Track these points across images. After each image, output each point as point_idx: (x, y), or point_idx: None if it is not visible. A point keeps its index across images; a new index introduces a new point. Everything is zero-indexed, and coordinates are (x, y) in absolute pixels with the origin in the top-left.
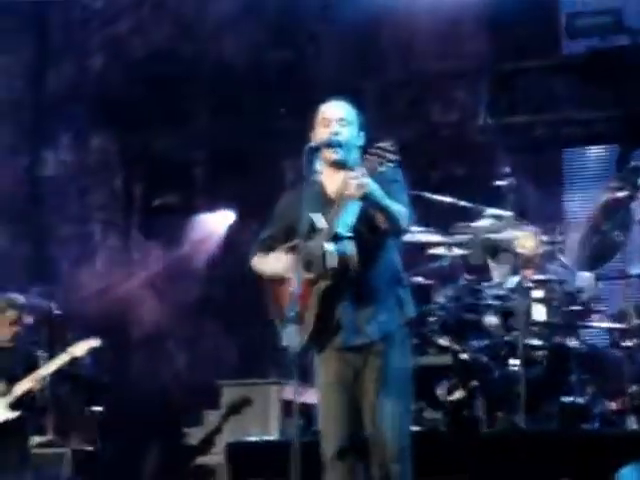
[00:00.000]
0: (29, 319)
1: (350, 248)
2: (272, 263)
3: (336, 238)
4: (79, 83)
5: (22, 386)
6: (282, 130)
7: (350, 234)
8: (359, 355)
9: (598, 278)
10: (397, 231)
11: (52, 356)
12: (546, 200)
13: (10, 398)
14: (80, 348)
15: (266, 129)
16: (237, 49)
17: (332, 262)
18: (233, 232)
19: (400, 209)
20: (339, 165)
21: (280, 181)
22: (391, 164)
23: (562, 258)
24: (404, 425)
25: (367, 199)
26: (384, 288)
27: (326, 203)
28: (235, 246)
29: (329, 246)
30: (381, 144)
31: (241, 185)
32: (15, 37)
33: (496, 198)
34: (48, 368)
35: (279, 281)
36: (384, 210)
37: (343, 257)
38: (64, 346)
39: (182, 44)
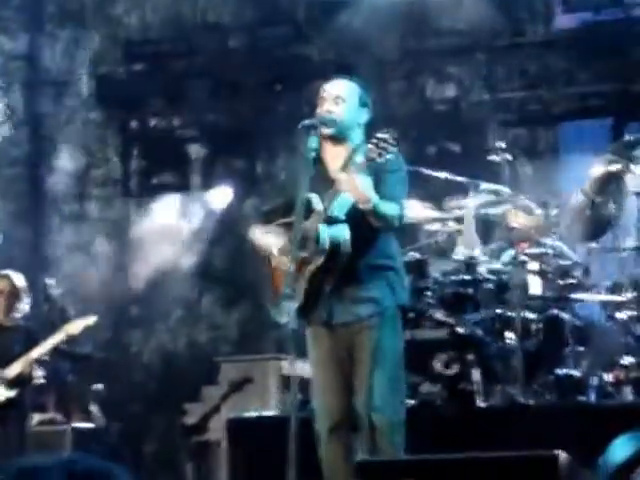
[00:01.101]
0: (27, 299)
1: (344, 232)
2: (262, 236)
3: (331, 221)
4: (76, 61)
5: (16, 366)
6: (279, 107)
7: (344, 218)
8: (349, 332)
9: (593, 251)
10: (388, 229)
11: (51, 334)
12: (541, 174)
13: (6, 378)
14: (76, 326)
15: (263, 106)
16: (234, 27)
17: (325, 244)
18: (231, 209)
19: (392, 210)
20: (336, 139)
21: (277, 158)
22: (390, 155)
23: (557, 232)
24: (396, 400)
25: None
26: (376, 272)
27: (326, 182)
28: (233, 223)
29: (323, 228)
30: (380, 134)
31: (239, 163)
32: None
33: (491, 173)
34: (44, 347)
35: (270, 261)
36: (375, 214)
37: (336, 240)
38: (63, 324)
39: (179, 22)
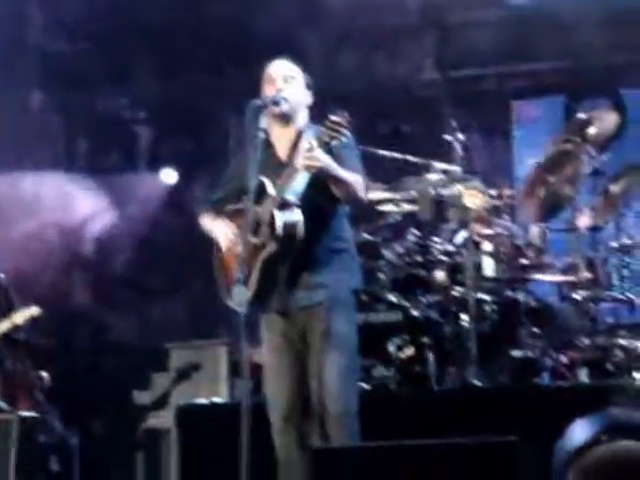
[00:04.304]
0: None
1: (297, 216)
2: (213, 224)
3: (284, 205)
4: (19, 38)
5: None
6: (227, 87)
7: (298, 202)
8: (303, 318)
9: (547, 231)
10: (354, 200)
11: None
12: (494, 154)
13: None
14: (21, 316)
15: (210, 87)
16: (179, 4)
17: (279, 229)
18: (177, 191)
19: (357, 178)
20: (286, 119)
21: (225, 139)
22: (344, 138)
23: (510, 212)
24: (349, 386)
25: (320, 172)
26: (330, 256)
27: (276, 166)
28: (182, 204)
29: (277, 213)
30: (333, 117)
31: (185, 144)
32: None
33: (444, 153)
34: None
35: (221, 249)
36: (339, 182)
37: (290, 225)
38: (10, 312)
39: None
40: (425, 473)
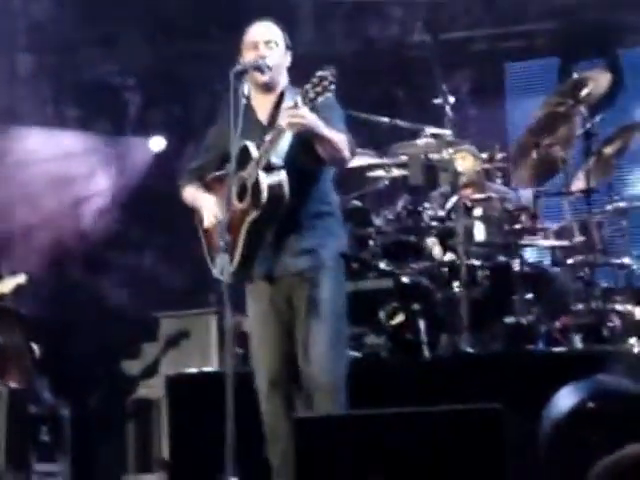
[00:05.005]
0: None
1: (282, 178)
2: (195, 193)
3: (269, 168)
4: (5, 2)
5: None
6: (216, 53)
7: (283, 164)
8: (290, 285)
9: (540, 195)
10: (339, 161)
11: None
12: (486, 117)
13: None
14: (6, 285)
15: (199, 52)
16: None
17: (264, 192)
18: (167, 157)
19: (342, 138)
20: (268, 88)
21: (213, 105)
22: (330, 94)
23: (503, 176)
24: (336, 355)
25: (305, 131)
26: (315, 220)
27: (258, 130)
28: (169, 172)
29: (262, 175)
30: (320, 73)
31: (174, 110)
32: None
33: (435, 116)
34: None
35: (204, 218)
36: (325, 140)
37: (275, 187)
38: None
39: None
40: (409, 441)
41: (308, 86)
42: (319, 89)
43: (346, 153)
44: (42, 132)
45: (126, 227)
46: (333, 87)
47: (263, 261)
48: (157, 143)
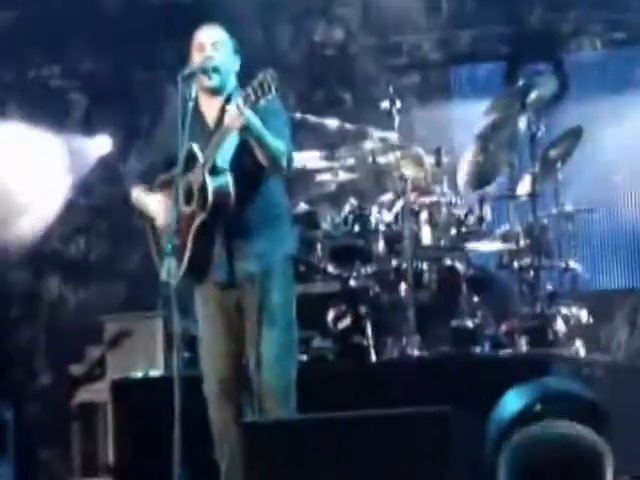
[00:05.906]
0: None
1: (228, 181)
2: (143, 196)
3: (215, 171)
4: None
5: None
6: (162, 56)
7: (228, 167)
8: (238, 290)
9: (486, 198)
10: (277, 169)
11: None
12: (433, 121)
13: None
14: None
15: (145, 54)
16: None
17: (210, 195)
18: (111, 159)
19: (280, 146)
20: (215, 91)
21: (162, 109)
22: (271, 96)
23: (449, 180)
24: (286, 359)
25: (246, 131)
26: (263, 222)
27: (205, 133)
28: (114, 174)
29: (207, 179)
30: (261, 75)
31: (121, 112)
32: None
33: (382, 120)
34: None
35: (153, 222)
36: (263, 146)
37: (221, 190)
38: None
39: None
40: (358, 445)
41: (249, 89)
42: (259, 92)
43: (283, 162)
44: None
45: (71, 227)
46: (274, 89)
47: (212, 265)
48: (102, 145)
